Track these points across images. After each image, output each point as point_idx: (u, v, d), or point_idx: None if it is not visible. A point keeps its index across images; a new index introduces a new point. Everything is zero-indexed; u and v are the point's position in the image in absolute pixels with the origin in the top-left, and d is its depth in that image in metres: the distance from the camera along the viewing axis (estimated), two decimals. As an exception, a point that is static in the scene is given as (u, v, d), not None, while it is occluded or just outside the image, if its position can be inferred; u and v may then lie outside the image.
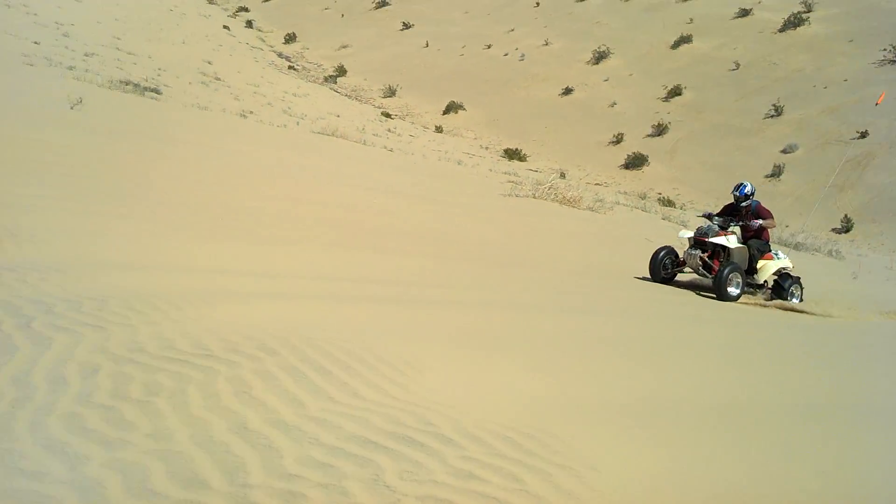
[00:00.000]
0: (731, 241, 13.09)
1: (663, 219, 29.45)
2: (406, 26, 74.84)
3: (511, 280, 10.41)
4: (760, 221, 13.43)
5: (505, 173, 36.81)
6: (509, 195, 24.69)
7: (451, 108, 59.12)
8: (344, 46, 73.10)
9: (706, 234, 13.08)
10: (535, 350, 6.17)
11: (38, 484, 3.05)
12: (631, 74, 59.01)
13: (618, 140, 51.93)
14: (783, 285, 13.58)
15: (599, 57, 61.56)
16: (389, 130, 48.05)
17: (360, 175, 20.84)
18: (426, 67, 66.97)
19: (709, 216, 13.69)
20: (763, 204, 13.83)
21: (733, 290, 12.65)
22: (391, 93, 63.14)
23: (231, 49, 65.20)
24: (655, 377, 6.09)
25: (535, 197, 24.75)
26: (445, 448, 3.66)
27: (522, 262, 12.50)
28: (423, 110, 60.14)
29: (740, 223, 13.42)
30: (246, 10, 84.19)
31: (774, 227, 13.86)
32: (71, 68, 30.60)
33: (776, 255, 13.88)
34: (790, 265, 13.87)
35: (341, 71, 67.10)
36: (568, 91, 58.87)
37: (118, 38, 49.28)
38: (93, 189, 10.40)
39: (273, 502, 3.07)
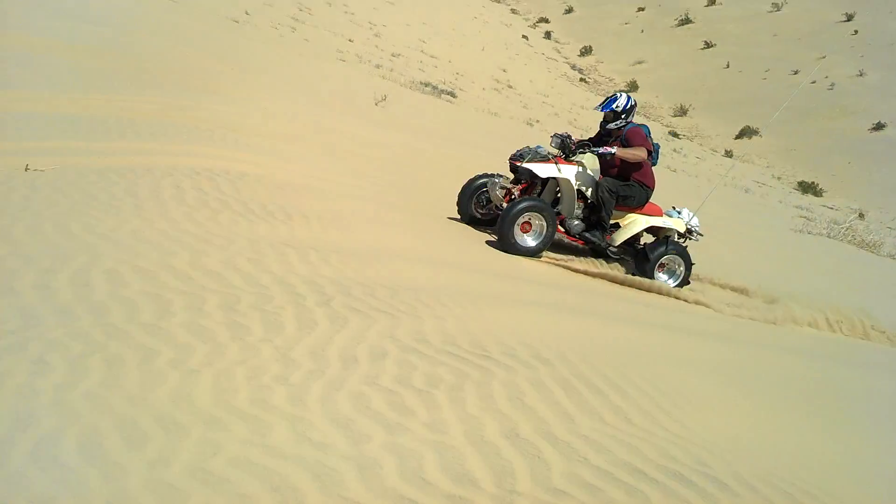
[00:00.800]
0: (563, 171, 8.87)
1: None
2: (708, 45, 72.52)
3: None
4: (614, 150, 8.90)
5: (797, 207, 34.64)
6: (801, 231, 23.18)
7: (745, 132, 56.52)
8: (639, 62, 72.24)
9: (521, 158, 8.95)
10: (810, 398, 5.74)
11: (323, 454, 3.26)
12: (958, 116, 53.21)
13: (932, 185, 47.04)
14: (651, 254, 9.10)
15: (921, 93, 56.10)
16: (675, 150, 46.88)
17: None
18: (723, 89, 64.52)
19: (561, 137, 9.17)
20: (649, 134, 9.27)
21: (526, 241, 8.54)
22: (682, 112, 61.54)
23: (527, 58, 66.74)
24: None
25: (829, 237, 23.04)
26: (720, 493, 3.47)
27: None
28: (714, 133, 58.02)
29: (598, 151, 9.01)
30: (546, 21, 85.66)
31: (640, 159, 9.01)
32: (378, 66, 32.84)
33: (676, 213, 9.62)
34: (681, 229, 9.40)
35: (633, 86, 66.37)
36: (879, 126, 54.18)
37: (423, 42, 52.14)
38: (390, 181, 11.05)
39: (538, 514, 3.06)
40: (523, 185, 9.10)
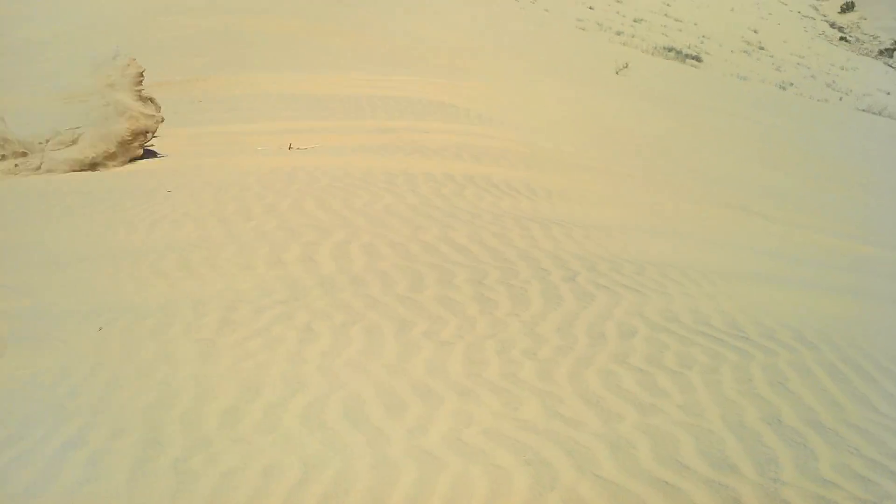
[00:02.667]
0: None
1: None
2: None
3: None
4: None
5: None
6: None
7: None
8: (909, 16, 65.51)
9: None
10: None
11: (575, 431, 3.24)
12: None
13: None
14: None
15: None
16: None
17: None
18: None
19: None
20: None
21: None
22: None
23: (780, 18, 62.43)
24: None
25: None
26: None
27: None
28: None
29: None
30: (801, -24, 79.86)
31: None
32: (619, 33, 32.09)
33: None
34: None
35: (902, 43, 60.34)
36: None
37: (668, 5, 50.10)
38: (629, 152, 10.82)
39: (805, 505, 2.87)
40: None
